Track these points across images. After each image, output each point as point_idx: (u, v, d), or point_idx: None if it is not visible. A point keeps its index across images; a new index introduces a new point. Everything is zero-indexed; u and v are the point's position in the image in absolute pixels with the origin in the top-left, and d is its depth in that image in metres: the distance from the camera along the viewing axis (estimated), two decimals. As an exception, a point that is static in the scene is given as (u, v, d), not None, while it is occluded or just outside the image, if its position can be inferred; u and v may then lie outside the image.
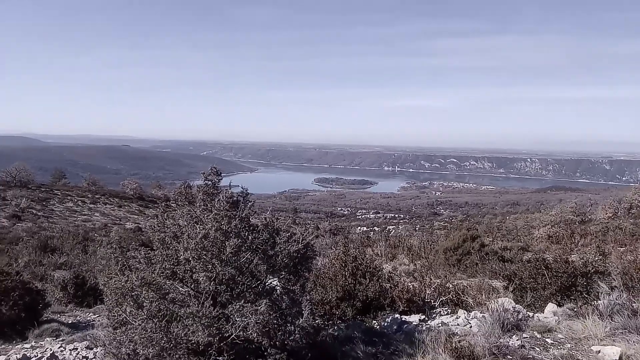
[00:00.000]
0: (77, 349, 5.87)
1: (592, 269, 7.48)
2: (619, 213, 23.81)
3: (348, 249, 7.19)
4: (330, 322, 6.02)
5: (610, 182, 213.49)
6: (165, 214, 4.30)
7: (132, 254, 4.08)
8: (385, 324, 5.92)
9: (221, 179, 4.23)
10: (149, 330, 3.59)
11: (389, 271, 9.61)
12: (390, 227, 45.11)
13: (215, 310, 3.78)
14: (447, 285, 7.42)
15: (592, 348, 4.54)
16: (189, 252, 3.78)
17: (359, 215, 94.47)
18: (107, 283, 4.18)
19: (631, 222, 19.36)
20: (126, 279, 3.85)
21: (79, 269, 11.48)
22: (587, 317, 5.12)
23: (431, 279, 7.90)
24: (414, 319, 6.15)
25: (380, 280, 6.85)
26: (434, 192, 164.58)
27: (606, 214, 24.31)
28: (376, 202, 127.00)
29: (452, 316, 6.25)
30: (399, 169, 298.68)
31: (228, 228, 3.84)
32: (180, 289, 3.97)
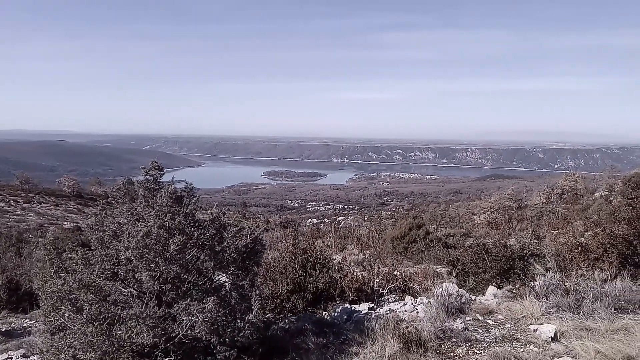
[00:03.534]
0: (11, 358, 5.53)
1: (529, 252, 7.90)
2: (552, 198, 25.43)
3: (298, 242, 7.19)
4: (281, 315, 6.01)
5: (543, 170, 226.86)
6: (104, 212, 4.10)
7: (69, 255, 3.86)
8: (336, 314, 5.98)
9: (163, 174, 4.08)
10: (89, 334, 3.42)
11: (339, 262, 9.71)
12: (340, 218, 45.67)
13: (161, 310, 3.66)
14: (395, 272, 7.57)
15: (529, 327, 4.81)
16: (130, 251, 3.62)
17: (309, 208, 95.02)
18: (42, 287, 3.94)
19: (563, 206, 20.70)
20: (63, 281, 3.65)
21: (13, 273, 10.76)
22: (524, 297, 5.43)
23: (379, 268, 8.04)
24: (364, 307, 6.25)
25: (330, 271, 6.89)
26: (381, 183, 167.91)
27: (540, 199, 25.91)
28: (326, 194, 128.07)
29: (399, 303, 6.40)
30: (347, 160, 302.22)
31: (171, 225, 3.72)
32: (122, 290, 3.81)
